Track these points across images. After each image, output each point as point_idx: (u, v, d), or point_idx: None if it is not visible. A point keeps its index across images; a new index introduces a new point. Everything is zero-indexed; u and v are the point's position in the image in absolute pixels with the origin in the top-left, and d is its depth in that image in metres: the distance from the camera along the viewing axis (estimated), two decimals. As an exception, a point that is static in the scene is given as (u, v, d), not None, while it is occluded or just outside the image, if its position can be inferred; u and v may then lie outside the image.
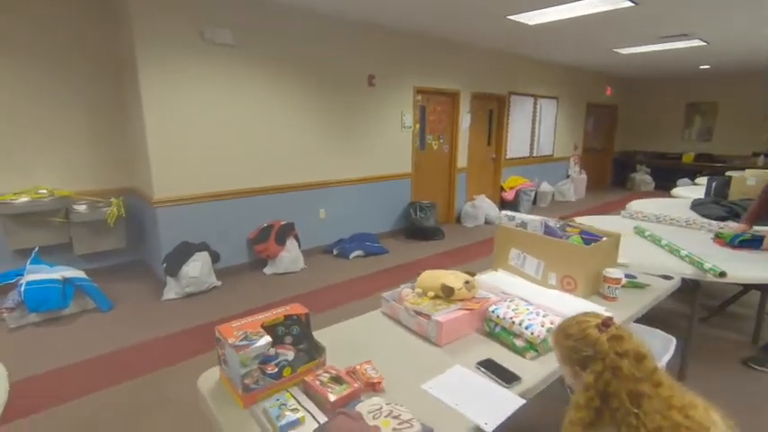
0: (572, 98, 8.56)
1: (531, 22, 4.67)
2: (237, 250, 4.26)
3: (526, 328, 1.44)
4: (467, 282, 1.66)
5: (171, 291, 3.60)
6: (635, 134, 10.72)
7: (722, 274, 2.14)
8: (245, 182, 4.22)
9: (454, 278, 1.67)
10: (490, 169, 7.12)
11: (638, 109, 10.57)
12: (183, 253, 3.65)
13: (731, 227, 2.93)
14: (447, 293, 1.63)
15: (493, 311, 1.56)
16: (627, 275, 2.11)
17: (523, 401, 1.21)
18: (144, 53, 3.41)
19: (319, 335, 1.53)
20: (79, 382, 2.47)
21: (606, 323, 1.04)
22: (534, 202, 7.82)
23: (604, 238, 1.98)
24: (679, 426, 0.92)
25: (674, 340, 2.02)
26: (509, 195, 7.05)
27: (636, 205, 4.09)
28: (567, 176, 8.82)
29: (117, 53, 3.83)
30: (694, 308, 2.40)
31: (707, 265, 2.20)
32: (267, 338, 1.19)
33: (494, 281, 2.10)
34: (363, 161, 5.14)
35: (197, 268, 3.61)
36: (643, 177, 9.92)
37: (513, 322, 1.48)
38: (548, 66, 7.59)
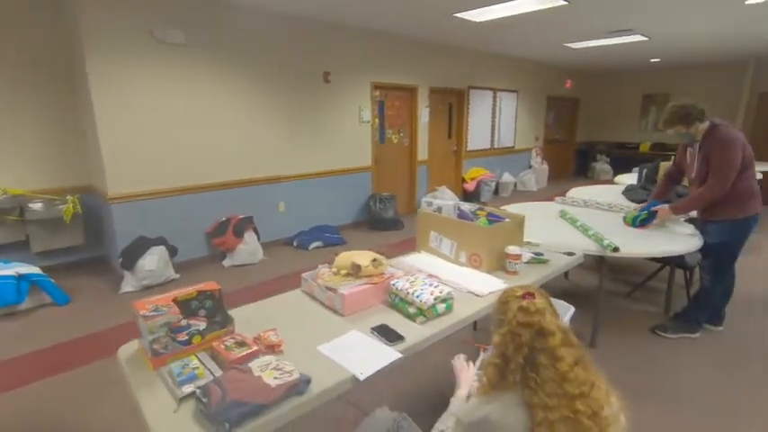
0: (532, 91, 8.87)
1: (477, 20, 4.89)
2: (196, 244, 4.38)
3: (417, 296, 1.65)
4: (374, 260, 1.85)
5: (128, 284, 3.71)
6: (596, 125, 11.15)
7: (615, 249, 2.40)
8: (204, 177, 4.34)
9: (363, 257, 1.86)
10: (452, 161, 7.36)
11: (599, 101, 10.98)
12: (140, 247, 3.76)
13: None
14: (355, 270, 1.82)
15: (393, 284, 1.76)
16: (536, 253, 2.36)
17: (399, 356, 1.41)
18: (92, 52, 3.49)
19: (242, 309, 1.74)
20: (26, 371, 2.58)
21: (524, 296, 1.14)
22: (496, 192, 8.12)
23: (507, 220, 2.20)
24: (573, 397, 1.03)
25: (571, 309, 2.27)
26: (470, 186, 7.31)
27: (574, 192, 4.38)
28: (530, 167, 9.16)
29: (68, 52, 3.89)
30: (602, 279, 2.65)
31: (605, 242, 2.46)
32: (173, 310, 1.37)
33: (414, 261, 2.31)
34: (322, 155, 5.30)
35: (153, 262, 3.73)
36: (603, 167, 10.34)
37: (408, 293, 1.68)
38: (506, 60, 7.85)
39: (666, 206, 2.81)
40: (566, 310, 2.27)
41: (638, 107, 10.45)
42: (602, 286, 2.67)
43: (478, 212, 2.24)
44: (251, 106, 4.56)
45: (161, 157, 4.01)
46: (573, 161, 10.97)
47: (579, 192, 4.45)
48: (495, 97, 7.80)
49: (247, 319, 1.62)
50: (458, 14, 4.62)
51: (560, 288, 3.75)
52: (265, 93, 4.64)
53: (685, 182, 3.10)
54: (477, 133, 7.61)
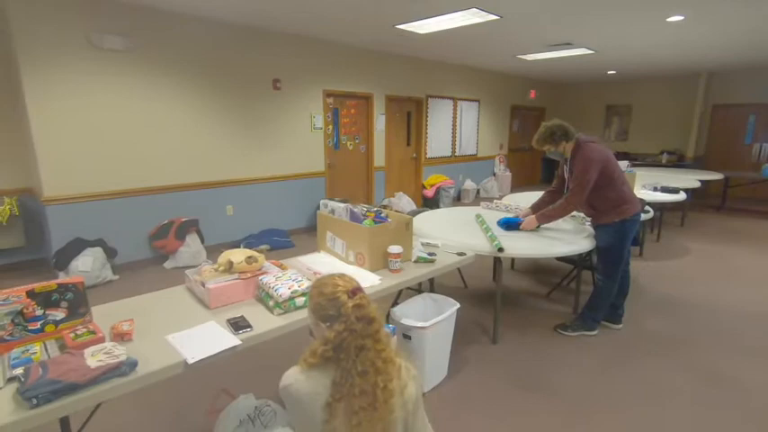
0: (495, 101, 9.10)
1: (420, 32, 5.07)
2: (138, 246, 4.45)
3: (276, 290, 1.77)
4: (250, 257, 1.97)
5: (62, 285, 3.76)
6: (562, 134, 11.42)
7: (500, 249, 2.55)
8: (147, 180, 4.42)
9: (239, 254, 1.98)
10: (411, 168, 7.53)
11: (565, 111, 11.28)
12: (74, 249, 3.82)
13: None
14: (228, 266, 1.94)
15: (260, 279, 1.88)
16: (429, 253, 2.50)
17: (237, 343, 1.52)
18: (25, 57, 3.58)
19: (123, 302, 1.88)
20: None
21: (354, 292, 1.22)
22: (458, 198, 8.30)
23: (389, 221, 2.33)
24: (378, 370, 1.15)
25: (456, 305, 2.41)
26: (429, 193, 7.47)
27: (508, 198, 4.56)
28: (494, 175, 9.37)
29: (7, 55, 3.97)
30: (498, 278, 2.79)
31: (495, 243, 2.61)
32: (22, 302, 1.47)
33: (308, 259, 2.44)
34: (273, 160, 5.42)
35: (88, 263, 3.79)
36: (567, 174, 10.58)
37: (270, 287, 1.80)
38: (467, 70, 8.07)
39: (533, 216, 3.01)
40: (451, 306, 2.41)
41: (601, 118, 10.76)
42: (500, 285, 2.80)
43: (368, 214, 2.37)
44: (196, 111, 4.66)
45: (101, 160, 4.09)
46: (540, 169, 11.23)
47: (514, 197, 4.63)
48: (455, 106, 8.01)
49: (121, 310, 1.75)
50: (399, 26, 4.80)
51: (486, 288, 3.90)
52: (212, 98, 4.76)
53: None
54: (438, 141, 7.79)
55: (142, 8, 4.10)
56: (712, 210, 7.66)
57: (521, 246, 2.70)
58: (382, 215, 2.46)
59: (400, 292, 3.07)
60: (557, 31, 5.14)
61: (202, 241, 4.67)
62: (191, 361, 1.41)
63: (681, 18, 4.42)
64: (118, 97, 4.11)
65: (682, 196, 4.92)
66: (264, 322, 1.69)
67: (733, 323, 3.25)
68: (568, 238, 2.92)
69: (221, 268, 1.99)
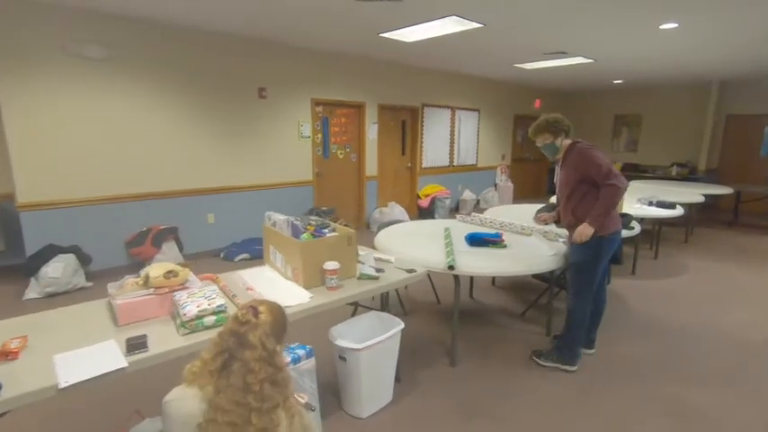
0: (497, 110, 8.93)
1: (407, 40, 4.99)
2: (116, 253, 4.45)
3: (183, 308, 1.68)
4: (170, 271, 1.89)
5: (32, 291, 3.78)
6: (570, 145, 11.15)
7: (451, 267, 2.41)
8: (127, 187, 4.43)
9: (159, 268, 1.90)
10: (406, 178, 7.41)
11: (572, 120, 10.85)
12: (46, 255, 3.83)
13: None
14: (144, 281, 1.86)
15: (174, 296, 1.79)
16: (378, 270, 2.39)
17: (124, 365, 1.43)
18: (2, 63, 3.63)
19: (37, 316, 1.82)
20: None
21: (249, 308, 1.21)
22: (457, 209, 8.14)
23: (328, 235, 2.23)
24: (252, 409, 1.11)
25: (401, 324, 2.28)
26: (424, 203, 7.34)
27: (490, 211, 4.40)
28: (495, 185, 9.17)
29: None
30: (456, 298, 2.64)
31: (448, 260, 2.47)
32: None
33: (249, 274, 2.35)
34: (258, 169, 5.39)
35: (58, 269, 3.79)
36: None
37: (180, 304, 1.71)
38: (465, 79, 7.94)
39: (585, 224, 2.52)
40: (395, 325, 2.28)
41: (609, 128, 10.46)
42: (457, 304, 2.65)
43: (308, 227, 2.27)
44: (177, 119, 4.67)
45: (78, 167, 4.11)
46: (546, 180, 10.95)
47: (495, 211, 4.47)
48: (453, 115, 7.88)
49: (25, 325, 1.69)
50: (383, 35, 4.73)
51: (462, 305, 3.72)
52: (194, 106, 4.76)
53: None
54: (434, 151, 7.67)
55: (122, 17, 4.14)
56: (723, 226, 7.30)
57: (477, 264, 2.56)
58: (326, 229, 2.36)
59: (355, 309, 2.95)
60: (548, 40, 4.98)
61: (181, 249, 4.65)
62: (63, 385, 1.32)
63: (674, 25, 4.22)
64: (97, 105, 4.14)
65: (678, 212, 4.66)
66: (166, 342, 1.60)
67: (716, 350, 3.01)
68: (531, 256, 2.75)
69: (141, 282, 1.91)
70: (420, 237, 3.22)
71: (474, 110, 8.33)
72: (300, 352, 1.80)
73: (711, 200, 7.47)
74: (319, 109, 5.91)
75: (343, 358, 2.13)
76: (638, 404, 2.39)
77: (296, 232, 2.25)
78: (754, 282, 4.46)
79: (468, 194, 8.27)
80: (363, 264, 2.52)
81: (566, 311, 2.80)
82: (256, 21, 4.30)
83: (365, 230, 6.49)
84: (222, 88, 4.93)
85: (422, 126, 7.31)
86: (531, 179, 10.42)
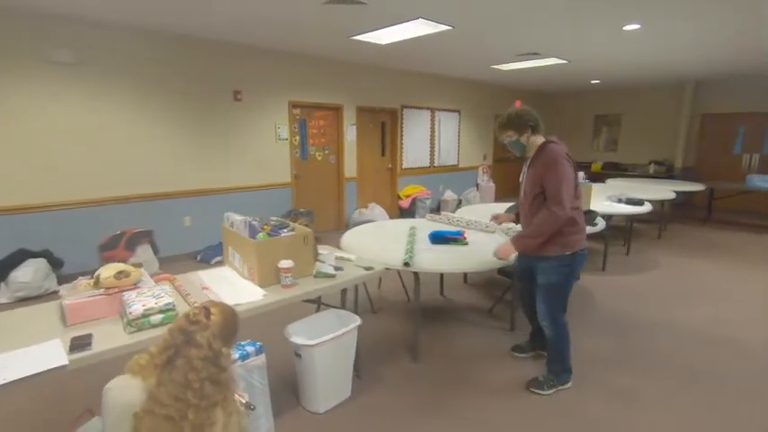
0: (478, 111, 9.03)
1: (381, 42, 5.05)
2: (89, 257, 4.43)
3: (129, 307, 1.71)
4: (120, 272, 1.92)
5: (2, 296, 3.76)
6: (552, 144, 11.30)
7: (406, 264, 2.47)
8: (101, 191, 4.43)
9: (111, 269, 1.93)
10: (387, 179, 7.47)
11: (553, 120, 11.15)
12: (16, 259, 3.83)
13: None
14: (95, 281, 1.89)
15: (123, 296, 1.82)
16: (336, 268, 2.43)
17: (65, 363, 1.46)
18: (-32, 71, 3.63)
19: None
20: None
21: (202, 308, 1.25)
22: (439, 209, 8.20)
23: (284, 235, 2.27)
24: (189, 405, 1.14)
25: (357, 322, 2.33)
26: (405, 204, 7.40)
27: (462, 210, 4.48)
28: (477, 185, 9.26)
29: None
30: (416, 294, 2.69)
31: (405, 257, 2.52)
32: None
33: (207, 275, 2.38)
34: (235, 172, 5.41)
35: (28, 274, 3.79)
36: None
37: (127, 303, 1.74)
38: (445, 80, 8.03)
39: (508, 243, 2.43)
40: (353, 322, 2.33)
41: (590, 127, 10.62)
42: (417, 300, 2.71)
43: (265, 227, 2.31)
44: (151, 123, 4.68)
45: (50, 170, 4.11)
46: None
47: (467, 210, 4.54)
48: (433, 116, 7.96)
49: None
50: (355, 38, 4.78)
51: (433, 303, 3.79)
52: (168, 110, 4.78)
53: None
54: (415, 152, 7.73)
55: (92, 21, 4.15)
56: (697, 222, 7.45)
57: (435, 260, 2.62)
58: (285, 229, 2.40)
59: (318, 307, 2.99)
60: (519, 41, 5.07)
61: (156, 252, 4.66)
62: (1, 382, 1.35)
63: (637, 27, 4.33)
64: (67, 108, 4.14)
65: (646, 208, 4.77)
66: (112, 341, 1.63)
67: (678, 345, 3.09)
68: (489, 253, 2.81)
69: (92, 282, 1.94)
70: (386, 236, 3.27)
71: (454, 111, 8.42)
72: (250, 349, 1.84)
73: (686, 197, 7.64)
74: (297, 111, 5.95)
75: (298, 355, 2.17)
76: (597, 398, 2.45)
77: (252, 232, 2.29)
78: (722, 277, 4.57)
79: (449, 195, 8.35)
80: (324, 262, 2.57)
81: (546, 339, 2.52)
82: (226, 25, 4.33)
83: (345, 231, 6.52)
84: (197, 91, 4.95)
85: (401, 127, 7.38)
86: (513, 179, 10.48)
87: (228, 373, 1.24)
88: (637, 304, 3.80)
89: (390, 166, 7.45)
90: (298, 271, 2.26)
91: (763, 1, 3.57)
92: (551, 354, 2.53)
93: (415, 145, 7.72)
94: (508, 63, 6.47)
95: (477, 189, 9.06)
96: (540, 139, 2.37)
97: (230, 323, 1.28)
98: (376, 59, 6.23)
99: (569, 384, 2.53)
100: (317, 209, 6.17)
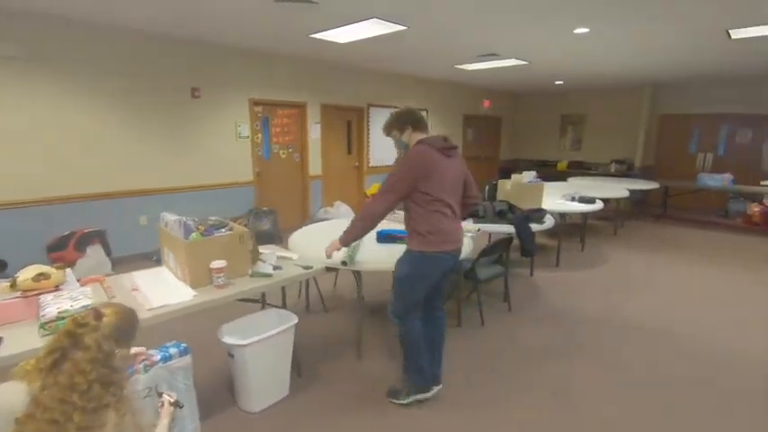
0: (446, 110, 9.13)
1: (340, 41, 5.05)
2: (36, 258, 4.27)
3: (43, 310, 1.68)
4: (40, 274, 1.88)
5: (-62, 299, 3.62)
6: (521, 143, 11.53)
7: (344, 263, 2.50)
8: (51, 190, 4.30)
9: (30, 271, 1.89)
10: (353, 177, 7.48)
11: (521, 120, 11.39)
12: (-46, 261, 3.68)
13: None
14: (11, 284, 1.85)
15: (39, 299, 1.79)
16: (275, 267, 2.44)
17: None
18: None
19: None
20: None
21: (93, 311, 1.23)
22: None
23: (217, 234, 2.26)
24: (76, 408, 1.12)
25: (293, 321, 2.34)
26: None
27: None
28: (445, 183, 9.36)
29: None
30: (359, 292, 2.73)
31: (344, 256, 2.55)
32: None
33: (141, 276, 2.36)
34: (194, 170, 5.33)
35: (-33, 276, 3.65)
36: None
37: (42, 306, 1.71)
38: (411, 79, 8.08)
39: (335, 238, 2.39)
40: (291, 319, 2.35)
41: (556, 127, 10.87)
42: (360, 297, 2.74)
43: (199, 227, 2.29)
44: (105, 120, 4.57)
45: (-9, 169, 3.97)
46: (497, 178, 11.25)
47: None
48: (400, 115, 7.99)
49: None
50: (313, 36, 4.77)
51: (385, 301, 3.82)
52: (123, 107, 4.67)
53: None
54: (382, 150, 7.76)
55: (43, 15, 4.01)
56: (653, 219, 7.74)
57: (376, 259, 2.66)
58: (223, 228, 2.39)
59: (263, 305, 2.99)
60: (476, 43, 5.16)
61: (108, 253, 4.55)
62: None
63: (586, 30, 4.46)
64: (15, 105, 4.00)
65: (598, 206, 4.94)
66: (24, 344, 1.60)
67: (612, 337, 3.22)
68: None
69: (9, 285, 1.90)
70: (335, 235, 3.28)
71: (422, 110, 8.47)
72: (174, 350, 1.83)
73: (644, 195, 7.93)
74: (258, 109, 5.90)
75: (231, 355, 2.17)
76: (527, 388, 2.54)
77: (186, 232, 2.28)
78: (665, 270, 4.77)
79: (417, 193, 8.41)
80: (264, 262, 2.57)
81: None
82: (179, 20, 4.26)
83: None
84: (153, 88, 4.85)
85: (368, 126, 7.40)
86: (482, 178, 10.67)
87: (122, 373, 1.24)
88: (582, 299, 3.93)
89: (357, 164, 7.46)
90: (233, 271, 2.26)
91: (697, 12, 3.73)
92: (403, 356, 2.38)
93: (382, 143, 7.74)
94: (470, 63, 6.57)
95: (446, 187, 9.15)
96: (419, 137, 2.26)
97: (125, 324, 1.28)
98: (340, 58, 6.22)
99: (430, 393, 2.39)
100: (281, 207, 6.14)
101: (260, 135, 5.98)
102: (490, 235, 4.64)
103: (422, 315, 2.36)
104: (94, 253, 4.39)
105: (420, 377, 2.37)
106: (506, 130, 11.22)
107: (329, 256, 2.42)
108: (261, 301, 2.79)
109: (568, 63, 6.46)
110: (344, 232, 2.32)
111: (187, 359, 1.88)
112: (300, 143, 6.49)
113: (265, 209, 5.77)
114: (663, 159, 9.34)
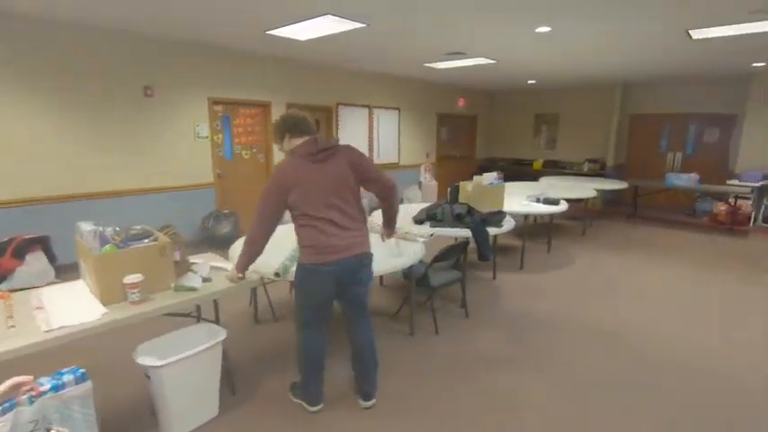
0: (419, 108, 9.03)
1: (300, 38, 4.89)
2: (-29, 267, 4.05)
3: None
4: None
5: None
6: (496, 142, 11.51)
7: (277, 275, 2.36)
8: (-15, 195, 4.06)
9: None
10: (322, 177, 7.31)
11: (497, 119, 11.36)
12: None
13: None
14: None
15: None
16: (205, 279, 2.29)
17: None
18: None
19: None
20: None
21: None
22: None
23: (133, 246, 2.10)
24: None
25: (221, 336, 2.20)
26: (341, 202, 7.27)
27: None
28: (419, 183, 9.27)
29: None
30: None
31: (278, 267, 2.41)
32: None
33: (52, 291, 2.18)
34: (149, 172, 5.11)
35: None
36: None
37: None
38: (380, 77, 7.95)
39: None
40: (219, 335, 2.21)
41: (531, 126, 10.87)
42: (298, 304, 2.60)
43: (115, 237, 2.12)
44: (49, 119, 4.32)
45: None
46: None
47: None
48: (371, 114, 7.87)
49: None
50: (270, 32, 4.60)
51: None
52: (73, 107, 4.44)
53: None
54: (352, 149, 7.61)
55: (-33, 7, 3.76)
56: (623, 218, 7.78)
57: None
58: (147, 239, 2.23)
59: (198, 319, 2.83)
60: (441, 41, 5.05)
61: (52, 260, 4.31)
62: None
63: (548, 29, 4.40)
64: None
65: (562, 207, 4.89)
66: None
67: (567, 343, 3.16)
68: (376, 258, 2.75)
69: None
70: (284, 242, 3.13)
71: (394, 108, 8.37)
72: (68, 377, 1.66)
73: (616, 194, 7.96)
74: (219, 108, 5.70)
75: (148, 376, 2.02)
76: (472, 400, 2.44)
77: (101, 243, 2.11)
78: (629, 271, 4.75)
79: (390, 193, 8.29)
80: (196, 273, 2.42)
81: None
82: (128, 14, 4.04)
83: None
84: (101, 86, 4.62)
85: (337, 125, 7.25)
86: (458, 177, 10.58)
87: None
88: (542, 303, 3.87)
89: (326, 164, 7.30)
90: (152, 285, 2.10)
91: (656, 13, 3.69)
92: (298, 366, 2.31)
93: (352, 143, 7.55)
94: (439, 62, 6.47)
95: (420, 187, 9.07)
96: (297, 142, 2.09)
97: None
98: (305, 56, 6.06)
99: (314, 408, 2.29)
100: (244, 210, 5.94)
101: (220, 135, 5.78)
102: (456, 239, 4.55)
103: (323, 330, 2.25)
104: (35, 260, 4.14)
105: (305, 392, 2.32)
106: (482, 129, 11.18)
107: (233, 281, 2.23)
108: (195, 316, 2.63)
109: (536, 62, 6.41)
110: (239, 256, 2.16)
111: (86, 386, 1.71)
112: (265, 143, 6.31)
113: (226, 211, 5.58)
114: (634, 158, 9.42)
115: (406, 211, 4.24)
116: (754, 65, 6.38)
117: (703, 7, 3.66)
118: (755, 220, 7.21)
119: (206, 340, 2.21)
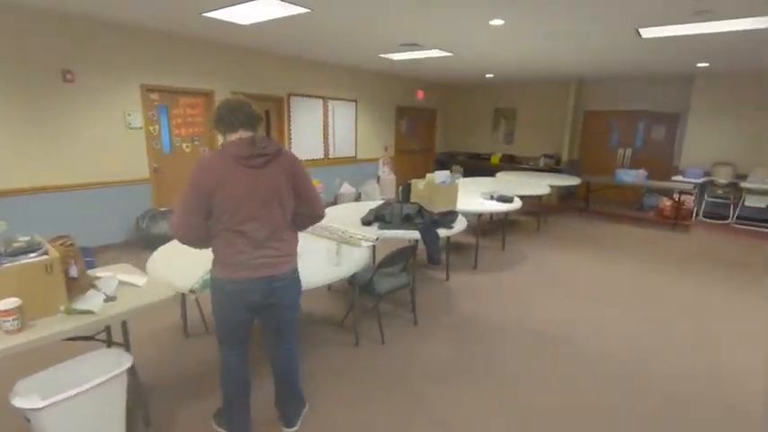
0: (377, 101, 8.78)
1: (243, 22, 4.51)
2: None
3: None
4: None
5: None
6: (455, 136, 11.47)
7: (192, 292, 2.09)
8: None
9: None
10: (274, 172, 6.95)
11: (456, 113, 11.30)
12: None
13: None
14: None
15: None
16: (108, 298, 1.98)
17: None
18: None
19: None
20: None
21: None
22: (335, 202, 7.87)
23: (6, 265, 1.76)
24: None
25: (126, 365, 1.91)
26: (294, 198, 6.95)
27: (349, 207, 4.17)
28: (377, 178, 9.07)
29: None
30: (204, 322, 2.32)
31: (194, 284, 2.14)
32: None
33: None
34: (70, 166, 4.59)
35: None
36: (456, 177, 10.61)
37: None
38: (336, 68, 7.63)
39: None
40: (123, 363, 1.91)
41: (490, 121, 10.89)
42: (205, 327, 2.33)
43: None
44: (-60, 107, 3.75)
45: None
46: (432, 171, 11.13)
47: (341, 208, 4.26)
48: (326, 106, 7.55)
49: None
50: (206, 15, 4.20)
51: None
52: (-34, 91, 3.87)
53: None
54: (305, 142, 7.29)
55: None
56: (576, 213, 7.92)
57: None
58: (33, 253, 1.88)
59: (109, 343, 2.50)
60: (393, 31, 4.82)
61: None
62: None
63: (501, 22, 4.26)
64: None
65: (516, 205, 4.83)
66: None
67: (512, 349, 3.06)
68: (308, 268, 2.53)
69: None
70: (205, 254, 2.83)
71: (350, 100, 8.08)
72: None
73: (570, 189, 8.10)
74: (154, 96, 5.21)
75: (28, 419, 1.70)
76: (407, 418, 2.28)
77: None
78: (579, 268, 4.77)
79: (346, 188, 8.05)
80: (99, 290, 2.09)
81: None
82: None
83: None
84: (9, 69, 4.06)
85: (289, 117, 6.89)
86: (417, 171, 10.49)
87: None
88: (493, 305, 3.77)
89: (278, 158, 6.94)
90: (38, 309, 1.78)
91: (607, 12, 3.63)
92: None
93: (305, 136, 7.27)
94: (394, 53, 6.24)
95: (378, 182, 8.88)
96: (231, 137, 1.78)
97: None
98: (251, 42, 5.66)
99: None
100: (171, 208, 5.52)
101: (157, 126, 5.31)
102: (410, 241, 4.39)
103: (244, 350, 1.99)
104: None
105: (229, 421, 2.05)
106: (442, 122, 11.10)
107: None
108: (104, 339, 2.30)
109: (493, 56, 6.32)
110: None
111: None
112: (208, 136, 5.87)
113: (164, 209, 5.15)
114: (587, 154, 9.62)
115: (355, 211, 4.02)
116: (699, 65, 6.58)
117: (647, 6, 3.63)
118: (697, 215, 7.54)
119: (113, 367, 1.91)
